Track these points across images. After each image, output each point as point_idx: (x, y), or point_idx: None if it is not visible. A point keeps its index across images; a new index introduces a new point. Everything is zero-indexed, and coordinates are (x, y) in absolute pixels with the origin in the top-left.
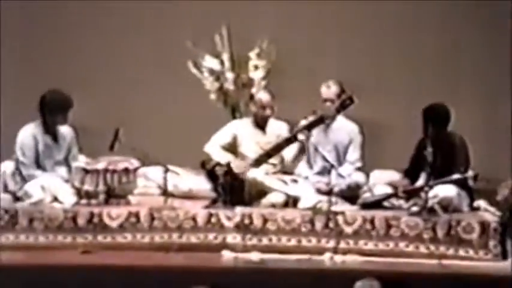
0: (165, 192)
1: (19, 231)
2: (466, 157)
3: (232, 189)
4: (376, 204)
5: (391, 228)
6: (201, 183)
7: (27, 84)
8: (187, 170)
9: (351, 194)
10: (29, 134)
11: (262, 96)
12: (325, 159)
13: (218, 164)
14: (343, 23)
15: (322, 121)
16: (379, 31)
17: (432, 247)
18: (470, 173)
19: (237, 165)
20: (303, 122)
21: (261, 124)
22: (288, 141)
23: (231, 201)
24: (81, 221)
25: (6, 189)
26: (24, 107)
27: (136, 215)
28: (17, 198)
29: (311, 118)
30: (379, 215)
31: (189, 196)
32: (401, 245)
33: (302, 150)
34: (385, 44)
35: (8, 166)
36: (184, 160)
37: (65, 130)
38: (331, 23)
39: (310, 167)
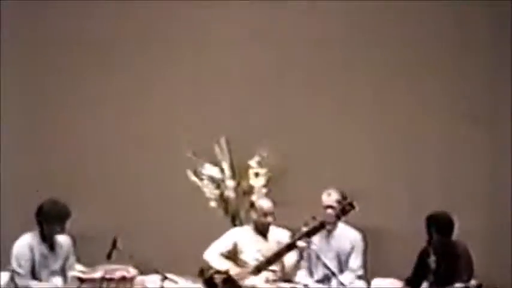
0: None
1: None
2: (469, 266)
3: None
4: None
5: None
6: None
7: (25, 193)
8: (186, 278)
9: None
10: (25, 244)
11: (264, 203)
12: (326, 266)
13: (217, 271)
14: (344, 129)
15: (323, 227)
16: (380, 138)
17: None
18: (473, 283)
19: (236, 273)
20: (304, 229)
21: (262, 231)
22: (289, 248)
23: None
24: None
25: None
26: (21, 217)
27: None
28: None
29: (311, 224)
30: None
31: None
32: None
33: (301, 257)
34: (386, 150)
35: (3, 277)
36: (184, 268)
37: (62, 239)
38: (332, 129)
39: (311, 274)
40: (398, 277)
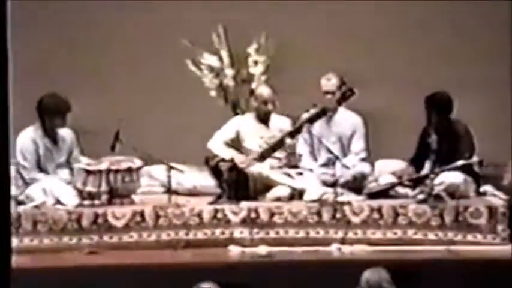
0: (169, 190)
1: (23, 234)
2: (470, 143)
3: (237, 184)
4: (382, 193)
5: (399, 216)
6: (205, 180)
7: (23, 87)
8: (191, 167)
9: (356, 185)
10: (28, 137)
11: (263, 91)
12: (329, 151)
13: (222, 159)
14: (342, 14)
15: (324, 113)
16: (380, 21)
17: (440, 234)
18: (475, 159)
19: (241, 161)
20: (305, 115)
21: (263, 119)
22: (291, 135)
23: (236, 196)
24: (85, 222)
25: None
26: (21, 111)
27: (142, 214)
28: (19, 203)
29: (312, 111)
30: (386, 204)
31: (193, 193)
32: (410, 233)
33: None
34: (386, 34)
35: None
36: (187, 158)
37: (64, 133)
38: (329, 14)
39: (315, 159)
40: (402, 158)
